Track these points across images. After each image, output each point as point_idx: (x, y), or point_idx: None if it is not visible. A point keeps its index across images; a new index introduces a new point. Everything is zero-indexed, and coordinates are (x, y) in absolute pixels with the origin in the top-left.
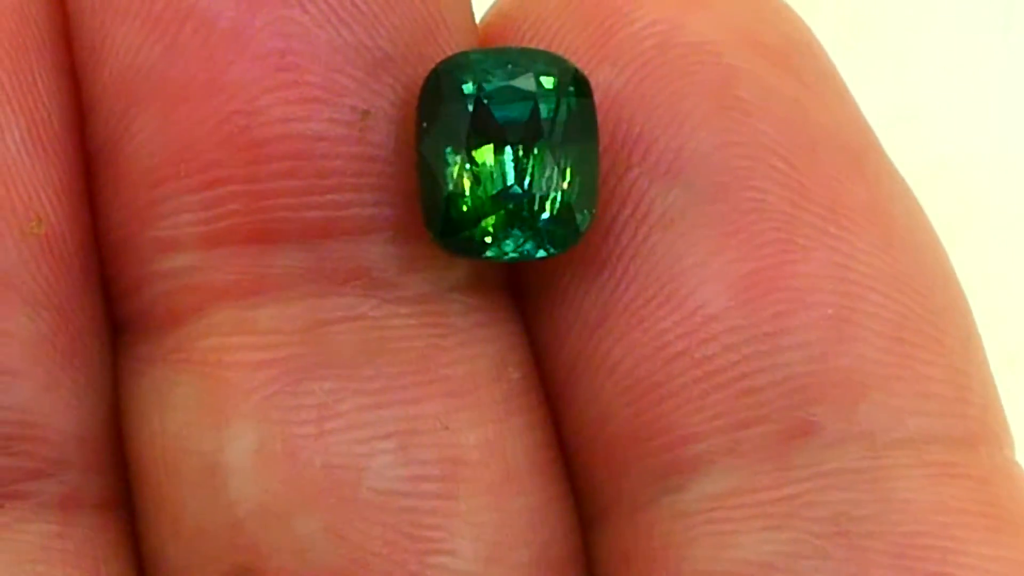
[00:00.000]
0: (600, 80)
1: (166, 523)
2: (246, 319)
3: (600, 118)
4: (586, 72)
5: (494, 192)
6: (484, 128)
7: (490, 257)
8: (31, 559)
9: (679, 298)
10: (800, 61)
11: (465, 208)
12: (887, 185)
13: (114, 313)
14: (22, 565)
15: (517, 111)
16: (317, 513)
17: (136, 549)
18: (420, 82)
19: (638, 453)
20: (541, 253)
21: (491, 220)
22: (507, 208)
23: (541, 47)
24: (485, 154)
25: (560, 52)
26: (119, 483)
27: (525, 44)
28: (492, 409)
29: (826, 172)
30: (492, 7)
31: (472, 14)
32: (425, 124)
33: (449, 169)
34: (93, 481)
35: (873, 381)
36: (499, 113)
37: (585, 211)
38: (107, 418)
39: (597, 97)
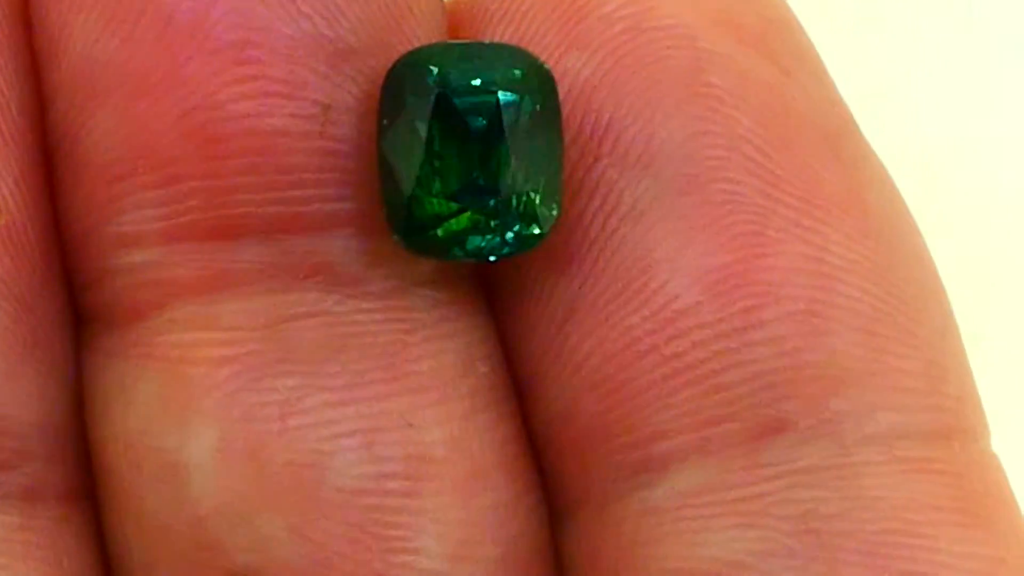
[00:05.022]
0: (569, 67)
1: (129, 519)
2: (208, 315)
3: (568, 107)
4: (554, 58)
5: (457, 189)
6: (447, 123)
7: (455, 257)
8: None
9: (648, 292)
10: (777, 43)
11: (428, 207)
12: (864, 171)
13: (77, 305)
14: None
15: (481, 106)
16: (280, 511)
17: (100, 541)
18: (384, 74)
19: (606, 450)
20: (506, 251)
21: (455, 219)
22: (471, 206)
23: (509, 30)
24: (448, 150)
25: (528, 36)
26: (83, 474)
27: (493, 27)
28: (458, 405)
29: (801, 160)
30: None
31: (440, 2)
32: (387, 120)
33: (411, 166)
34: (56, 472)
35: (845, 376)
36: (463, 108)
37: (551, 207)
38: (70, 409)
39: (565, 84)
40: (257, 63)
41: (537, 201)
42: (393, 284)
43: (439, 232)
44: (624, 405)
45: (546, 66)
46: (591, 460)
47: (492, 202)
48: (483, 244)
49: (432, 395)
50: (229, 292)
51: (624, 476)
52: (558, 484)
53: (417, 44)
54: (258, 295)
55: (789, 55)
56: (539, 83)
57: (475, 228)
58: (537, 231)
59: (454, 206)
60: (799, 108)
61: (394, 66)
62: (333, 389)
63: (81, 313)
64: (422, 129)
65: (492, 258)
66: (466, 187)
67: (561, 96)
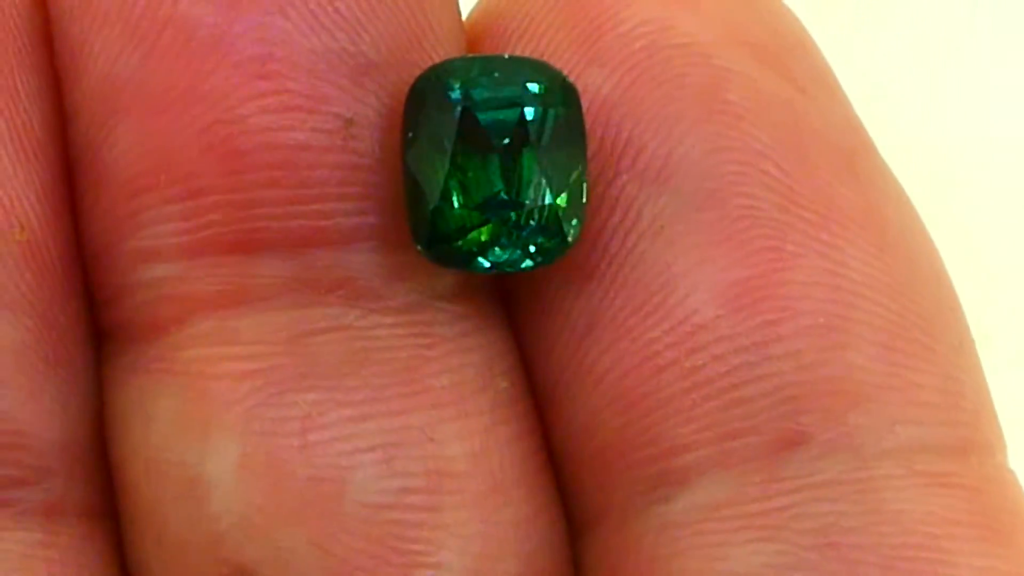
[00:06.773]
0: (588, 83)
1: (150, 534)
2: (229, 329)
3: (588, 123)
4: (574, 74)
5: (481, 202)
6: (471, 136)
7: (477, 268)
8: (13, 568)
9: (668, 307)
10: (793, 61)
11: (452, 219)
12: (880, 187)
13: (98, 320)
14: (4, 574)
15: (504, 119)
16: (301, 526)
17: (121, 558)
18: (405, 89)
19: (627, 464)
20: (528, 264)
21: (478, 231)
22: (494, 218)
23: (528, 47)
24: (472, 163)
25: (547, 53)
26: (104, 491)
27: (512, 44)
28: (479, 419)
29: (818, 176)
30: (478, 5)
31: (460, 18)
32: (411, 133)
33: (435, 178)
34: (77, 489)
35: (863, 390)
36: (486, 121)
37: (574, 220)
38: (91, 426)
39: (585, 101)
40: (279, 77)
41: (560, 213)
42: (414, 298)
43: (462, 244)
44: (644, 419)
45: (569, 79)
46: (611, 474)
47: (515, 214)
48: (505, 256)
49: (452, 410)
50: (250, 306)
51: (644, 490)
52: (578, 498)
53: (437, 60)
54: (279, 309)
55: (805, 74)
56: (562, 96)
57: (498, 240)
58: (560, 243)
59: (477, 218)
60: (815, 125)
61: (418, 80)
62: (354, 404)
63: (102, 329)
64: (446, 142)
65: (515, 269)
66: (489, 199)
67: None
